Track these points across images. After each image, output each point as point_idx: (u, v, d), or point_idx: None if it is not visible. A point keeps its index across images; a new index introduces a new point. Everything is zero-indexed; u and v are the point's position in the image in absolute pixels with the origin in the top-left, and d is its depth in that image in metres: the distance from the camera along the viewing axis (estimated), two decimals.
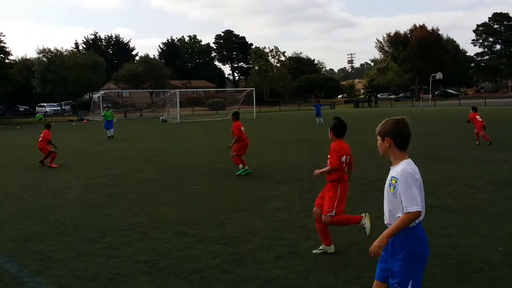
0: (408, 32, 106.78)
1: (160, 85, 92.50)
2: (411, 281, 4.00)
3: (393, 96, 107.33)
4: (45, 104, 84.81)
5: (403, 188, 3.92)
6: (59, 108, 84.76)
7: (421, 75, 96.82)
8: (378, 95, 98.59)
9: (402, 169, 3.98)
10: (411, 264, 4.00)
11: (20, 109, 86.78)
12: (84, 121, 55.28)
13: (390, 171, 4.12)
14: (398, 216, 3.97)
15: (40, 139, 17.99)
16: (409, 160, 4.07)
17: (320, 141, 22.29)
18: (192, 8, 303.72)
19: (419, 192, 3.93)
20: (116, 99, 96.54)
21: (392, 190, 4.02)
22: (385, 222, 4.13)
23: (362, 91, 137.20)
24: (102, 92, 66.31)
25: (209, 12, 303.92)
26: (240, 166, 13.97)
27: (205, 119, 52.43)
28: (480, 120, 19.92)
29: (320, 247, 6.97)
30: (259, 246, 7.29)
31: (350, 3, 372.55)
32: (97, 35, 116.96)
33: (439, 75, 77.05)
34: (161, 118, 52.65)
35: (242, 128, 13.89)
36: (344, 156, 6.84)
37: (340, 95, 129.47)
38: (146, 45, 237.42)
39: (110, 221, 9.12)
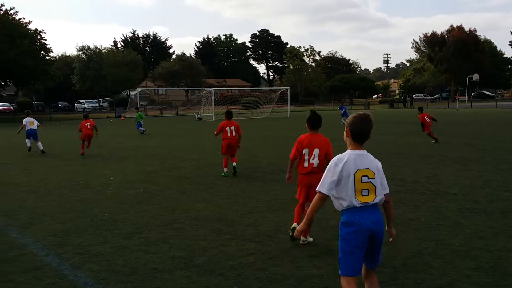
0: (445, 32, 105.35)
1: (195, 83, 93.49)
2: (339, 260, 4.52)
3: (428, 97, 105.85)
4: (83, 100, 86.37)
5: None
6: (97, 104, 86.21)
7: (458, 76, 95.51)
8: (414, 96, 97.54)
9: (335, 156, 4.58)
10: (340, 246, 4.48)
11: (60, 105, 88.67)
12: (122, 117, 55.93)
13: None
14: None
15: (88, 126, 19.76)
16: (352, 151, 4.52)
17: None
18: (226, 8, 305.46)
19: (335, 178, 4.42)
20: (152, 97, 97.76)
21: None
22: None
23: (397, 91, 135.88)
24: (139, 89, 67.05)
25: (242, 11, 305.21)
26: (225, 169, 13.89)
27: (239, 117, 52.21)
28: (428, 121, 21.67)
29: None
30: (293, 244, 7.35)
31: (385, 3, 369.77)
32: (135, 33, 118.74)
33: (476, 77, 75.76)
34: (196, 116, 52.95)
35: (229, 128, 13.72)
36: (307, 149, 7.27)
37: (375, 95, 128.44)
38: (183, 43, 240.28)
39: (147, 217, 9.30)
